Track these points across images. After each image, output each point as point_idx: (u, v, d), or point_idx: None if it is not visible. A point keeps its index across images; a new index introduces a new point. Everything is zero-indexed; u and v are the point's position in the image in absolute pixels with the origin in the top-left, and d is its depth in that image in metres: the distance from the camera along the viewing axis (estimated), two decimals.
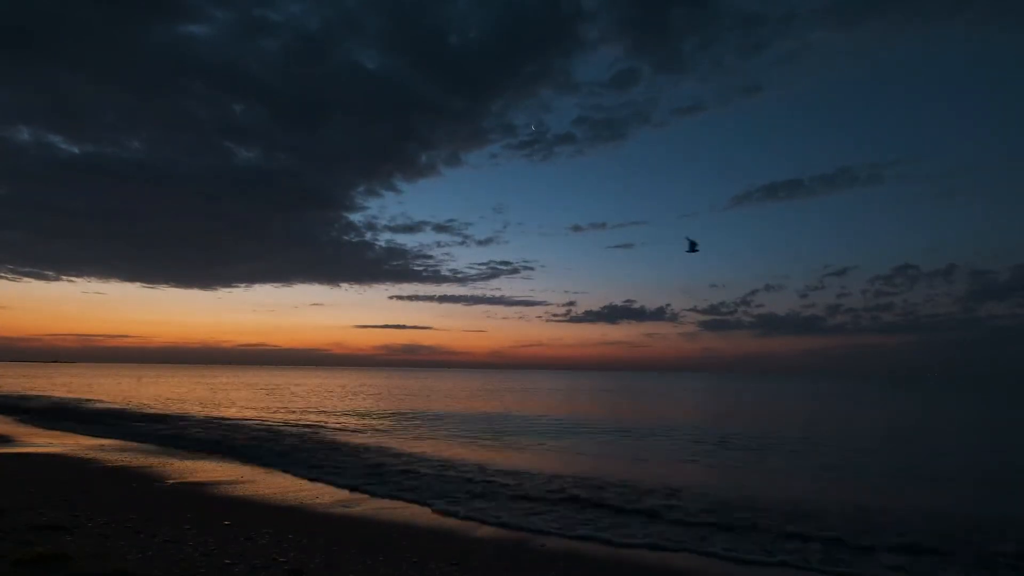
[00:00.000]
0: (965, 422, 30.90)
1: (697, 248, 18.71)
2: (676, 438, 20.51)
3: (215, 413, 27.72)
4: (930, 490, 12.28)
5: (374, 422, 24.79)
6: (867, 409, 40.09)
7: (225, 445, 16.82)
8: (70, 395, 39.00)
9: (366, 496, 10.67)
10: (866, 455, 17.24)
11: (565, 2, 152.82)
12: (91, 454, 14.55)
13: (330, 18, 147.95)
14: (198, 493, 10.31)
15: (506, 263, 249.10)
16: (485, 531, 8.61)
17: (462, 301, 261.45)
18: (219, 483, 11.29)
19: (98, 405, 31.44)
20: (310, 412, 29.15)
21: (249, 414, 27.56)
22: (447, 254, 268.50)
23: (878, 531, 8.74)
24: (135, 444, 16.97)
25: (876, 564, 7.41)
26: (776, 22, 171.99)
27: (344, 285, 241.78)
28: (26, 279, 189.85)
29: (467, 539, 8.10)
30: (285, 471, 13.00)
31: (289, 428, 21.65)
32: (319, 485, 11.56)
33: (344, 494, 10.79)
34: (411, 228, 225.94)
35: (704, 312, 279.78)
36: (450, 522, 9.05)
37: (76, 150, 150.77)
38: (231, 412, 28.44)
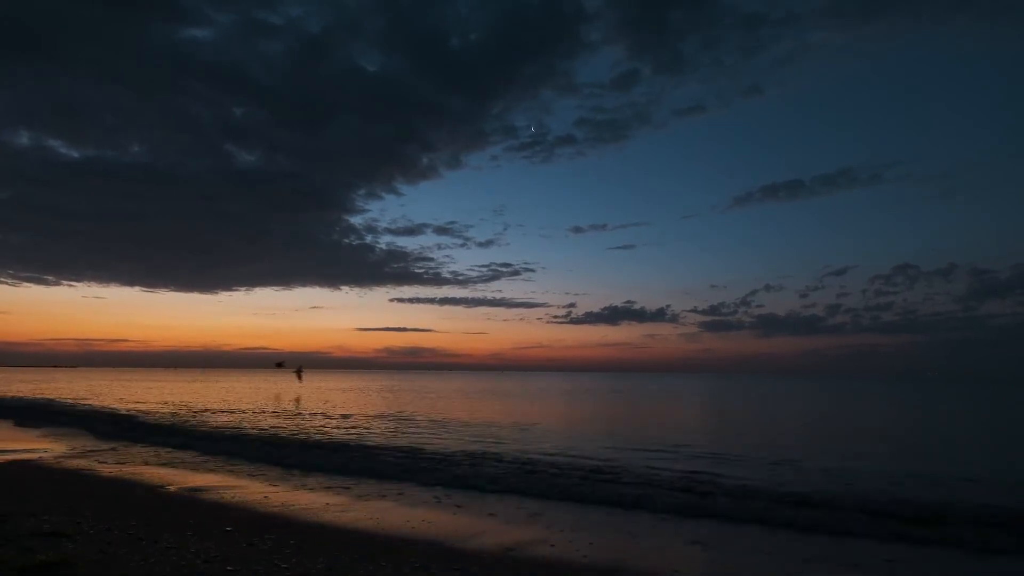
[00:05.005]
0: None
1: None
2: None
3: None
4: None
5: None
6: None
7: None
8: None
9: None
10: None
11: (566, 3, 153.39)
12: None
13: (331, 20, 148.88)
14: (200, 499, 10.30)
15: (507, 265, 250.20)
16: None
17: (463, 303, 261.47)
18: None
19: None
20: None
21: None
22: (448, 256, 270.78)
23: None
24: None
25: None
26: (776, 23, 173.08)
27: (345, 288, 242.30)
28: (25, 284, 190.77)
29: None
30: None
31: None
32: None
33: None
34: (412, 230, 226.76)
35: (704, 313, 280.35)
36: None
37: (76, 154, 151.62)
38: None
